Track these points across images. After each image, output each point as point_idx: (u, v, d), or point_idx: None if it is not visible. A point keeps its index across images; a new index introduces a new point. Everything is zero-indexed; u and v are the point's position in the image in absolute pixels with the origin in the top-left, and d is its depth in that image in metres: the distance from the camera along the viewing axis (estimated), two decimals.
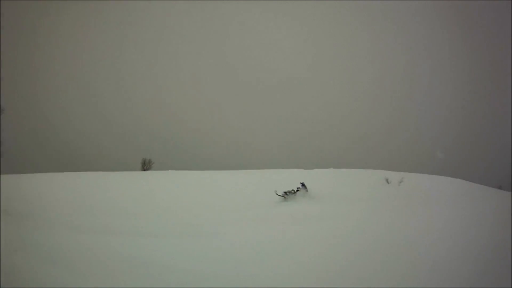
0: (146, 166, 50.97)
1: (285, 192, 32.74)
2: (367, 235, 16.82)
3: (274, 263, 12.88)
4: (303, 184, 33.14)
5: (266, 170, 45.82)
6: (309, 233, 18.54)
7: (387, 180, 37.68)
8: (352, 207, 25.51)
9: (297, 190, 33.50)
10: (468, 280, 9.82)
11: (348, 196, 30.55)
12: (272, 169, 46.54)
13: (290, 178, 38.08)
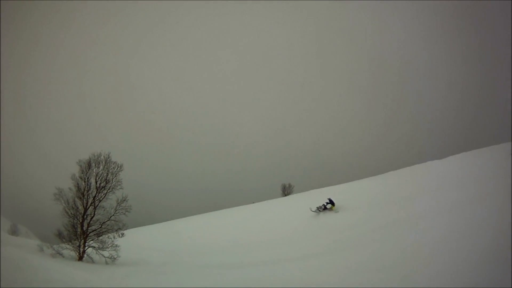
0: (286, 191, 52.04)
1: (318, 208, 35.65)
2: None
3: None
4: (330, 200, 35.83)
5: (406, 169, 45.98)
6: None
7: None
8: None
9: (326, 205, 35.72)
10: None
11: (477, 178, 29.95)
12: (409, 166, 46.74)
13: (427, 171, 38.85)
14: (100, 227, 22.53)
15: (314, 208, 35.67)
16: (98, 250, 22.09)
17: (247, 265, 20.43)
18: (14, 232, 57.24)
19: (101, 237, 22.30)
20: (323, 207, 35.37)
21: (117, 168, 22.84)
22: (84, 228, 22.53)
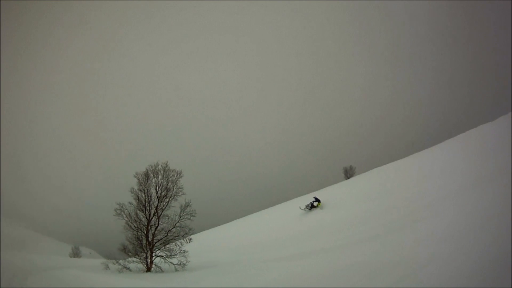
0: (348, 174, 52.17)
1: (306, 206, 37.76)
2: None
3: None
4: (316, 199, 38.14)
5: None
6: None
7: None
8: None
9: (313, 203, 37.63)
10: None
11: None
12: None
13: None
14: (166, 236, 22.73)
15: (303, 207, 38.00)
16: (167, 259, 22.27)
17: (309, 254, 20.26)
18: (76, 254, 58.32)
19: (168, 245, 22.48)
20: (310, 205, 37.56)
21: (177, 176, 23.05)
22: (150, 239, 22.78)
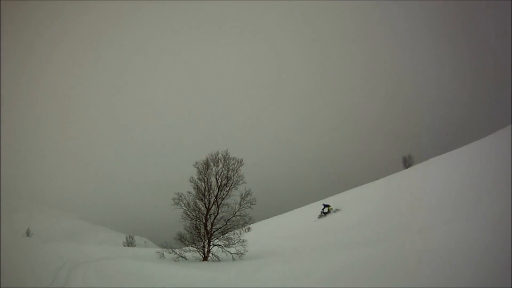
0: (407, 163, 51.80)
1: (319, 216, 37.94)
2: None
3: None
4: (325, 205, 38.83)
5: None
6: None
7: None
8: None
9: (323, 209, 38.20)
10: None
11: None
12: None
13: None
14: (225, 225, 22.68)
15: (316, 218, 38.10)
16: (224, 248, 22.18)
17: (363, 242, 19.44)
18: (130, 243, 59.62)
19: (226, 235, 22.40)
20: (323, 214, 37.97)
21: (237, 164, 23.01)
22: (208, 228, 22.81)
